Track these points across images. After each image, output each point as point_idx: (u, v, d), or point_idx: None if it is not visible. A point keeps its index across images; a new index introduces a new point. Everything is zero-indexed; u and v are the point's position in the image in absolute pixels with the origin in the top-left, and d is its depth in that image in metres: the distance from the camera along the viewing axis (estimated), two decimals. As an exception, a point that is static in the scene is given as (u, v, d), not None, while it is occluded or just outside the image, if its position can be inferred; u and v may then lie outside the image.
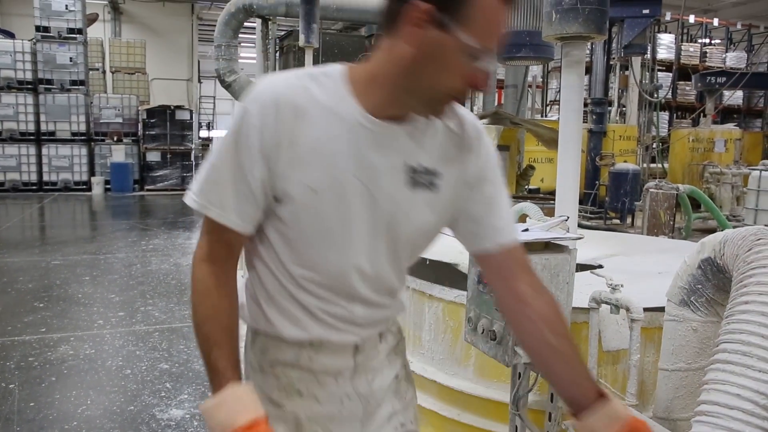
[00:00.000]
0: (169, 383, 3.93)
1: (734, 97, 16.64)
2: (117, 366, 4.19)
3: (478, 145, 1.17)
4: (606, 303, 1.81)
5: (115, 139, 15.35)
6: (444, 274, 2.42)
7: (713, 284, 1.74)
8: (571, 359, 1.19)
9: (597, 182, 10.42)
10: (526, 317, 1.19)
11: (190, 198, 1.13)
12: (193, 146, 17.00)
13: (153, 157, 15.63)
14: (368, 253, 1.13)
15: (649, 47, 10.37)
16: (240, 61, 12.08)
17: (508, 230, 1.21)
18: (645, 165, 11.38)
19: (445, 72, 1.00)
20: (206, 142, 27.31)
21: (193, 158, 16.49)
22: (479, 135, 1.18)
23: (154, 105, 16.28)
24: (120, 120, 15.36)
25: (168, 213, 11.99)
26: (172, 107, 15.89)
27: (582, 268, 2.66)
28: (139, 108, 15.72)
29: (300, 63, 9.32)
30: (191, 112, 16.84)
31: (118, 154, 15.37)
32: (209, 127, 28.35)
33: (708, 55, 18.45)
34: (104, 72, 18.01)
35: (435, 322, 2.32)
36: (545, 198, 4.97)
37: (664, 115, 17.13)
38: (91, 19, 17.02)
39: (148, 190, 15.43)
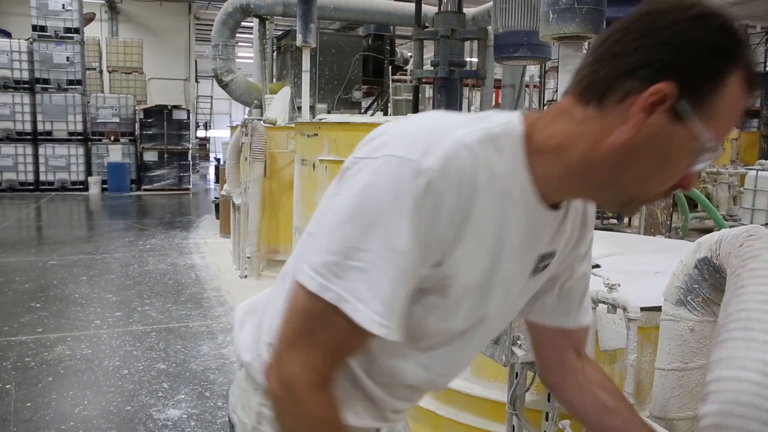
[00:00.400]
0: (166, 383, 3.93)
1: (731, 97, 16.65)
2: (114, 366, 4.19)
3: (592, 219, 1.05)
4: (603, 302, 1.81)
5: (112, 138, 15.33)
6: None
7: (710, 284, 1.74)
8: (630, 418, 1.13)
9: (594, 182, 10.43)
10: (578, 385, 1.14)
11: (310, 276, 0.80)
12: (190, 146, 16.98)
13: (150, 156, 15.61)
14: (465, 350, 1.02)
15: (646, 47, 10.37)
16: (237, 60, 12.05)
17: (589, 310, 1.14)
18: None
19: (664, 171, 0.81)
20: (203, 142, 27.39)
21: (190, 158, 16.47)
22: (592, 208, 1.03)
23: (151, 105, 16.25)
24: (117, 120, 15.34)
25: (165, 213, 11.97)
26: (169, 107, 15.87)
27: (579, 267, 2.66)
28: (136, 108, 15.70)
29: (297, 62, 9.31)
30: (188, 111, 16.81)
31: (115, 153, 15.34)
32: (206, 126, 28.35)
33: (705, 55, 18.45)
34: (101, 72, 17.98)
35: (432, 321, 2.31)
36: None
37: (661, 115, 17.12)
38: (88, 19, 16.99)
39: (145, 190, 15.41)
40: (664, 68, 0.77)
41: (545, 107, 18.88)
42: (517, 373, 1.92)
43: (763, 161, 9.66)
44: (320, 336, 0.81)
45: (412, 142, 0.80)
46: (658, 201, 0.87)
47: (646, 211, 6.57)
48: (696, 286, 1.74)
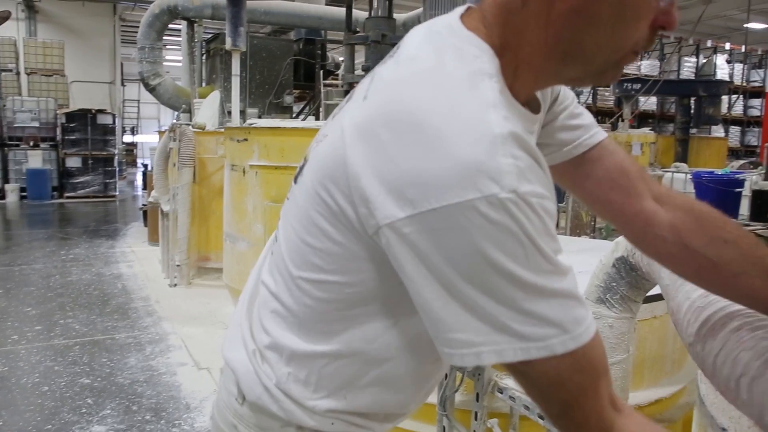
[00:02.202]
0: (90, 399, 3.77)
1: (649, 102, 17.47)
2: (33, 383, 3.99)
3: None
4: (527, 303, 1.87)
5: (32, 144, 14.62)
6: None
7: (627, 282, 1.81)
8: (743, 248, 0.86)
9: (523, 185, 10.72)
10: (658, 238, 0.92)
11: (525, 349, 0.68)
12: (116, 151, 16.41)
13: (73, 163, 14.98)
14: None
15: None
16: (165, 63, 11.74)
17: (597, 128, 0.97)
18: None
19: (633, 17, 0.70)
20: (130, 147, 26.53)
21: (116, 164, 15.92)
22: None
23: (74, 108, 15.61)
24: (37, 124, 14.65)
25: (89, 221, 11.52)
26: (94, 111, 15.29)
27: (507, 269, 2.72)
28: (58, 112, 15.04)
29: (227, 66, 9.15)
30: (114, 116, 16.24)
31: (35, 159, 14.64)
32: (133, 131, 27.47)
33: (625, 62, 19.30)
34: (18, 73, 17.13)
35: (363, 326, 2.31)
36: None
37: (586, 120, 17.76)
38: (3, 17, 16.15)
39: (68, 197, 14.77)
40: None
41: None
42: (446, 374, 1.94)
43: (678, 164, 10.18)
44: (584, 383, 0.71)
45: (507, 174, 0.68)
46: (639, 53, 0.76)
47: (571, 213, 6.80)
48: (614, 284, 1.81)
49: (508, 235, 0.64)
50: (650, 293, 1.89)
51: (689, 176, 7.52)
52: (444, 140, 0.65)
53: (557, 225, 7.85)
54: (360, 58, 8.34)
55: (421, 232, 0.66)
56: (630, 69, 19.04)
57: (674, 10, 0.73)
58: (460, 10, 0.79)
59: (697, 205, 0.93)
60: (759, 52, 22.20)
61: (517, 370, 0.71)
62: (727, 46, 22.10)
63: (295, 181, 0.89)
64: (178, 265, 6.44)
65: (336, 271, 0.80)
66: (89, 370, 4.23)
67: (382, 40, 6.34)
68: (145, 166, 17.01)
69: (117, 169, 16.22)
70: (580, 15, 0.70)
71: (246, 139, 4.81)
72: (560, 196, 9.36)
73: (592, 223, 6.74)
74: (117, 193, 15.61)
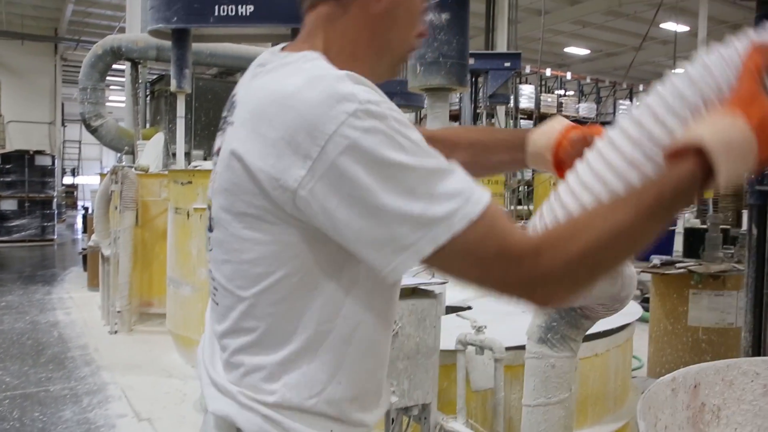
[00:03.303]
0: (20, 456, 3.57)
1: (588, 143, 18.14)
2: (-42, 441, 3.75)
3: None
4: (471, 344, 1.88)
5: (-36, 186, 14.06)
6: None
7: (566, 321, 1.86)
8: (484, 134, 1.23)
9: (469, 224, 10.89)
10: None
11: (436, 237, 0.77)
12: (56, 194, 15.92)
13: (8, 205, 14.44)
14: None
15: (511, 97, 11.12)
16: (108, 104, 11.56)
17: None
18: (512, 207, 12.06)
19: (412, 24, 0.96)
20: (70, 189, 25.76)
21: (55, 206, 15.41)
22: None
23: (10, 149, 15.11)
24: (-31, 166, 14.12)
25: (25, 266, 11.06)
26: (32, 152, 14.84)
27: (453, 309, 2.75)
28: (-7, 153, 14.54)
29: (172, 108, 9.08)
30: (53, 157, 15.80)
31: (-33, 202, 14.06)
32: (74, 173, 26.73)
33: (564, 105, 20.07)
34: (-49, 113, 16.55)
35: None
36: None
37: (528, 160, 18.28)
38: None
39: (2, 241, 14.17)
40: None
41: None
42: (392, 419, 1.93)
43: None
44: (504, 223, 0.80)
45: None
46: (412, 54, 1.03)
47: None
48: (554, 323, 1.85)
49: (383, 135, 0.77)
50: (590, 331, 1.94)
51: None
52: (304, 94, 0.79)
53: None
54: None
55: (324, 175, 0.78)
56: (569, 111, 19.81)
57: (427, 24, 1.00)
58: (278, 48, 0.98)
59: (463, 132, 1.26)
60: (687, 96, 23.44)
61: (453, 251, 0.78)
62: (658, 90, 23.25)
63: (210, 231, 0.95)
64: (118, 312, 6.23)
65: (279, 268, 0.87)
66: (19, 425, 4.01)
67: (329, 83, 6.43)
68: (86, 208, 16.53)
69: (56, 211, 15.70)
70: (389, 17, 0.93)
71: (190, 182, 4.75)
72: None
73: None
74: (55, 237, 15.08)
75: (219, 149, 0.93)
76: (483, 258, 0.79)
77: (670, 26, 18.10)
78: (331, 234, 0.82)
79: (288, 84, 0.82)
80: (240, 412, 0.91)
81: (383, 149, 0.77)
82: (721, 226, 4.92)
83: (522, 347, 1.93)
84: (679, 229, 5.52)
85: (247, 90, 0.91)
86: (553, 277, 0.79)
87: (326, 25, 0.94)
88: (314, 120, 0.78)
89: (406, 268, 0.80)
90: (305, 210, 0.81)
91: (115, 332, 6.23)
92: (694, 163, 0.82)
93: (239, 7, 5.75)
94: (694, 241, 4.84)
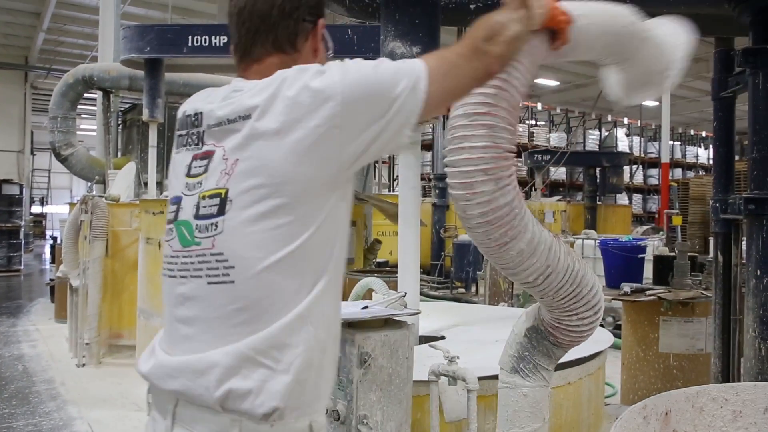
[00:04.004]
0: (-20, 496, 3.44)
1: (559, 172, 18.44)
2: None
3: None
4: (444, 375, 1.88)
5: (-73, 216, 13.71)
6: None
7: (539, 351, 1.87)
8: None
9: (442, 253, 10.93)
10: None
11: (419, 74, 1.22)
12: (23, 223, 15.61)
13: (-27, 235, 14.10)
14: None
15: (483, 127, 11.28)
16: (79, 133, 11.46)
17: None
18: (486, 235, 12.13)
19: (324, 53, 1.41)
20: (39, 218, 25.29)
21: (22, 236, 15.10)
22: None
23: (-24, 178, 14.83)
24: (-67, 195, 13.80)
25: (-11, 298, 10.77)
26: (-1, 181, 14.59)
27: (426, 339, 2.74)
28: (-42, 182, 14.24)
29: (144, 137, 9.03)
30: (21, 186, 15.53)
31: (-70, 233, 13.70)
32: (43, 202, 26.28)
33: (535, 135, 20.42)
34: None
35: (281, 404, 2.26)
36: (392, 271, 5.15)
37: (501, 189, 18.47)
38: None
39: (-35, 272, 13.82)
40: (315, 11, 1.37)
41: (395, 182, 19.71)
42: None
43: (587, 231, 10.69)
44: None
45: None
46: None
47: (489, 281, 6.98)
48: (527, 353, 1.86)
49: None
50: (562, 360, 1.95)
51: (597, 243, 7.92)
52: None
53: (477, 292, 7.94)
54: (281, 130, 8.43)
55: (337, 75, 1.19)
56: (540, 141, 20.14)
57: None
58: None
59: None
60: (653, 127, 24.04)
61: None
62: (626, 120, 23.82)
63: (216, 227, 1.18)
64: (87, 344, 6.08)
65: (303, 219, 1.17)
66: (-19, 463, 3.87)
67: (303, 113, 6.47)
68: (55, 238, 16.25)
69: (23, 241, 15.38)
70: (320, 53, 1.39)
71: (162, 212, 4.71)
72: (479, 265, 9.61)
73: (510, 290, 6.92)
74: (22, 267, 14.74)
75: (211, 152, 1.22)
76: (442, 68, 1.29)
77: (636, 59, 18.58)
78: None
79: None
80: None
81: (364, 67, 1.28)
82: (689, 254, 5.01)
83: (495, 377, 1.94)
84: (649, 256, 5.61)
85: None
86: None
87: (282, 66, 1.25)
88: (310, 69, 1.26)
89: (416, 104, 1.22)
90: (336, 114, 1.21)
91: (83, 365, 6.08)
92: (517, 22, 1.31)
93: (213, 37, 5.78)
94: (663, 269, 4.92)
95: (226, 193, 1.17)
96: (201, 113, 1.26)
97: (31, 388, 5.48)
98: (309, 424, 1.19)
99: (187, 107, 1.33)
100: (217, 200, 1.17)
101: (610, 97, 1.93)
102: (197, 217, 1.20)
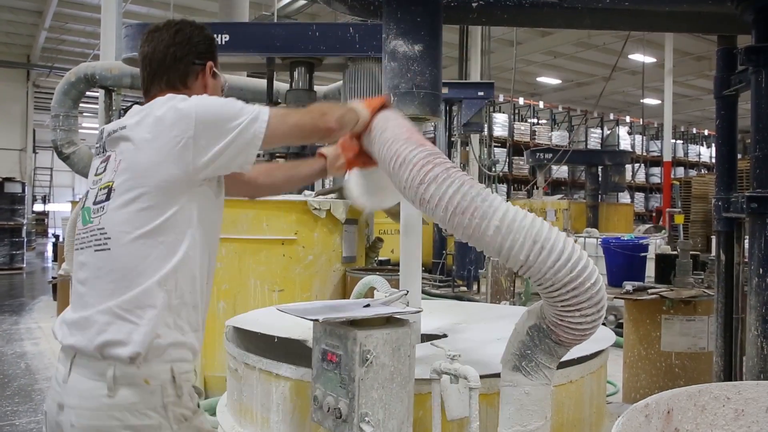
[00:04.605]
0: (-17, 494, 3.44)
1: (561, 171, 18.42)
2: None
3: None
4: (446, 373, 1.88)
5: (-70, 214, 13.74)
6: (292, 351, 2.39)
7: (541, 349, 1.87)
8: (283, 168, 2.10)
9: (444, 252, 10.92)
10: (255, 187, 2.04)
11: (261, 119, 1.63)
12: (26, 221, 15.64)
13: (-25, 233, 14.13)
14: None
15: (485, 126, 11.27)
16: (82, 131, 11.45)
17: None
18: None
19: (218, 92, 1.82)
20: (41, 216, 25.32)
21: (24, 234, 15.12)
22: None
23: (-22, 177, 14.86)
24: (-64, 193, 13.82)
25: (-8, 296, 10.79)
26: (1, 179, 14.60)
27: (428, 337, 2.74)
28: (-40, 180, 14.27)
29: (146, 135, 9.01)
30: (23, 184, 15.56)
31: (-67, 231, 13.72)
32: (45, 200, 26.32)
33: (537, 133, 20.40)
34: None
35: (282, 402, 2.26)
36: (394, 269, 5.14)
37: (503, 187, 18.53)
38: None
39: (-32, 270, 13.84)
40: (204, 55, 1.77)
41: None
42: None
43: (589, 229, 10.67)
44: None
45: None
46: None
47: (491, 279, 6.98)
48: (528, 351, 1.86)
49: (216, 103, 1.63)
50: (564, 358, 1.95)
51: (599, 242, 7.91)
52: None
53: (478, 290, 7.95)
54: (282, 128, 8.42)
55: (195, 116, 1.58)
56: (542, 139, 20.12)
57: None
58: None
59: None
60: (655, 125, 24.01)
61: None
62: (628, 119, 23.80)
63: (103, 209, 1.60)
64: (88, 342, 6.09)
65: (161, 205, 1.56)
66: (-16, 461, 3.88)
67: (304, 111, 6.46)
68: (57, 236, 16.27)
69: (25, 239, 15.41)
70: (214, 92, 1.80)
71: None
72: (481, 263, 9.60)
73: (512, 288, 6.92)
74: (24, 265, 14.77)
75: (109, 157, 1.65)
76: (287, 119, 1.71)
77: (638, 57, 18.60)
78: None
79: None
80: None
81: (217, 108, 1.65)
82: (691, 252, 5.00)
83: (497, 375, 1.94)
84: (651, 255, 5.60)
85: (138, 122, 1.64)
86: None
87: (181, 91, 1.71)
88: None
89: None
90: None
91: (85, 363, 6.09)
92: (351, 110, 1.84)
93: (215, 36, 5.76)
94: (666, 267, 4.90)
95: (112, 185, 1.58)
96: (103, 129, 1.70)
97: (33, 385, 5.50)
98: (170, 368, 1.53)
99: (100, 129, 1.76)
100: (106, 191, 1.60)
101: (352, 201, 2.24)
102: (94, 203, 1.63)
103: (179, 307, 1.57)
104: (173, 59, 1.68)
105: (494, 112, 17.99)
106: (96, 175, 1.67)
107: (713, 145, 23.62)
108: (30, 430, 4.43)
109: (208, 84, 1.75)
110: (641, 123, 22.63)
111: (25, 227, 15.28)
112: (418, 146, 1.70)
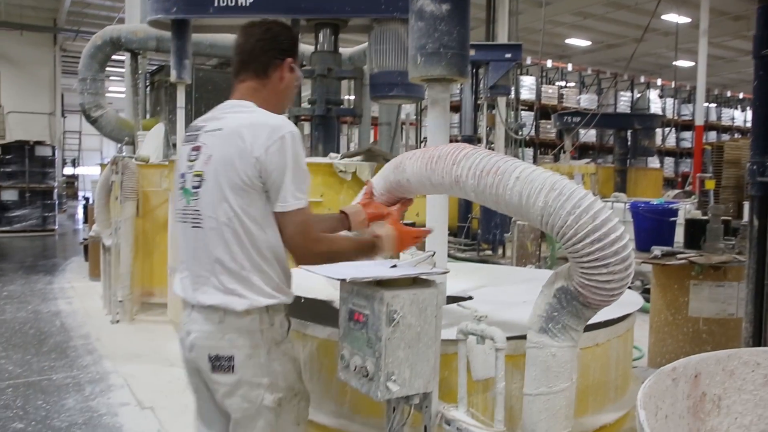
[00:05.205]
0: (23, 444, 3.59)
1: (588, 135, 18.11)
2: (-39, 430, 3.77)
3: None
4: (472, 334, 1.89)
5: (-36, 176, 14.06)
6: (319, 311, 2.42)
7: (568, 311, 1.86)
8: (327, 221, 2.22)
9: (469, 215, 10.88)
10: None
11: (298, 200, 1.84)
12: (56, 184, 15.92)
13: (9, 196, 14.46)
14: None
15: (512, 88, 11.07)
16: (108, 95, 11.52)
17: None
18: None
19: (293, 92, 2.10)
20: (71, 179, 25.74)
21: (56, 196, 15.42)
22: None
23: (10, 140, 15.10)
24: (-30, 156, 14.11)
25: (26, 256, 11.08)
26: (32, 143, 14.84)
27: (454, 299, 2.75)
28: (-7, 143, 14.53)
29: (172, 98, 9.06)
30: (53, 148, 15.81)
31: (-33, 193, 14.06)
32: (74, 163, 26.71)
33: (564, 96, 20.01)
34: (-50, 104, 16.51)
35: (310, 361, 2.30)
36: (420, 232, 5.14)
37: (529, 151, 18.28)
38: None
39: (3, 231, 14.19)
40: (286, 52, 2.01)
41: (422, 144, 19.75)
42: (394, 408, 1.94)
43: (617, 194, 10.52)
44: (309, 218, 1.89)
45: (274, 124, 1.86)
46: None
47: (517, 243, 6.95)
48: (555, 314, 1.85)
49: (298, 145, 1.85)
50: (591, 321, 1.94)
51: (627, 206, 7.80)
52: (269, 119, 1.88)
53: (503, 254, 7.96)
54: (306, 92, 8.39)
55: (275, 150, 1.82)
56: (570, 102, 19.76)
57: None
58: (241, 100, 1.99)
59: None
60: (687, 88, 23.36)
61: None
62: (659, 82, 23.19)
63: (200, 186, 1.90)
64: (120, 301, 6.24)
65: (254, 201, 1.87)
66: (23, 413, 4.03)
67: (328, 74, 6.40)
68: (87, 199, 16.55)
69: (57, 202, 15.72)
70: (285, 90, 2.05)
71: (191, 172, 4.75)
72: (506, 227, 9.56)
73: (537, 253, 6.90)
74: (56, 227, 15.11)
75: (199, 147, 1.93)
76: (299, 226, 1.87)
77: (672, 17, 18.01)
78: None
79: (256, 117, 1.89)
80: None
81: (297, 152, 1.85)
82: (723, 218, 4.90)
83: (523, 337, 1.94)
84: (680, 220, 5.50)
85: (220, 122, 1.93)
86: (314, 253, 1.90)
87: (253, 93, 1.98)
88: (273, 128, 1.85)
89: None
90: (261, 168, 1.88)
91: (117, 321, 6.25)
92: (375, 240, 2.05)
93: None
94: (695, 232, 4.83)
95: (203, 174, 1.89)
96: (197, 125, 1.99)
97: (68, 342, 5.67)
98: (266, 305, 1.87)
99: (194, 122, 2.04)
100: (199, 179, 1.90)
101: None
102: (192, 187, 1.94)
103: (270, 266, 1.92)
104: (260, 52, 1.97)
105: (521, 74, 17.65)
106: (189, 161, 1.99)
107: (748, 108, 22.96)
108: (66, 384, 4.58)
109: (285, 77, 2.00)
110: (673, 86, 22.05)
111: (56, 190, 15.57)
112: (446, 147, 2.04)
